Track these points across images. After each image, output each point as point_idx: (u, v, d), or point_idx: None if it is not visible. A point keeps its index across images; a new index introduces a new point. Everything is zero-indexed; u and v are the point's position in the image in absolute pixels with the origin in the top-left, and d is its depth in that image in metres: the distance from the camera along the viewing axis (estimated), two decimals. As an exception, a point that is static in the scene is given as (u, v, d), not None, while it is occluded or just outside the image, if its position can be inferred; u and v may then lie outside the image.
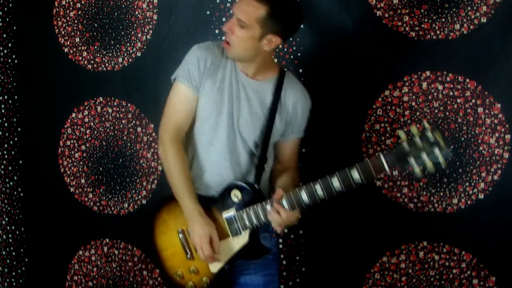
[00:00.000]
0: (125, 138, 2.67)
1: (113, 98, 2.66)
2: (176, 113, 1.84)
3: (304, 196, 1.70)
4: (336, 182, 1.65)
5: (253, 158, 1.87)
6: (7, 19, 2.79)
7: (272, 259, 1.93)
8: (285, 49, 2.37)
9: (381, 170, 1.59)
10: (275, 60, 2.38)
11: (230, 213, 1.79)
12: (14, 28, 2.79)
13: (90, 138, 2.73)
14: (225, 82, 1.82)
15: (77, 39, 2.70)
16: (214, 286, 1.85)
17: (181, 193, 1.80)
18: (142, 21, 2.58)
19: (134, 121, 2.63)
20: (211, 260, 1.78)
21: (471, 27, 2.15)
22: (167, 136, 1.83)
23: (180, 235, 1.84)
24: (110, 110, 2.67)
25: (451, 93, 2.20)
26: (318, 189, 1.68)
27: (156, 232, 1.91)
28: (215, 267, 1.83)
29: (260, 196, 1.81)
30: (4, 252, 2.92)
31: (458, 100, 2.20)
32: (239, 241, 1.80)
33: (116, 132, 2.68)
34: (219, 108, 1.81)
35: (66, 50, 2.72)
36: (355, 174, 1.62)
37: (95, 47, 2.67)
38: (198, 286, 1.85)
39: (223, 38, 1.89)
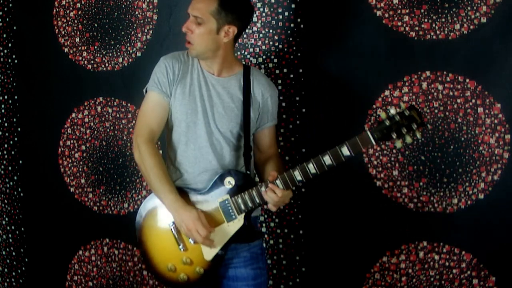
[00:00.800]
0: (125, 138, 2.67)
1: (113, 98, 2.67)
2: (148, 118, 1.92)
3: (298, 174, 1.80)
4: (328, 160, 1.78)
5: (234, 148, 1.95)
6: (7, 19, 2.80)
7: (261, 253, 2.00)
8: (285, 49, 2.37)
9: (368, 144, 1.76)
10: (275, 60, 2.38)
11: (224, 198, 1.86)
12: (14, 28, 2.79)
13: (90, 138, 2.73)
14: (195, 84, 1.92)
15: (77, 39, 2.70)
16: (207, 275, 1.88)
17: (160, 188, 1.86)
18: (142, 21, 2.58)
19: (134, 121, 2.63)
20: (207, 242, 1.82)
21: (471, 27, 2.15)
22: (141, 140, 1.90)
23: (172, 227, 1.88)
24: (110, 110, 2.68)
25: (451, 93, 2.20)
26: (311, 167, 1.79)
27: (145, 228, 1.95)
28: (209, 255, 1.86)
29: (252, 182, 1.91)
30: (4, 252, 2.92)
31: (458, 100, 2.20)
32: (234, 225, 1.86)
33: (116, 132, 2.68)
34: (193, 108, 1.90)
35: (66, 50, 2.72)
36: (345, 151, 1.76)
37: (95, 47, 2.67)
38: (190, 277, 1.89)
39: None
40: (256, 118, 1.99)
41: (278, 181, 1.81)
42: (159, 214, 1.92)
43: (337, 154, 1.76)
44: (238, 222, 1.86)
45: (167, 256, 1.90)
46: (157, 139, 1.96)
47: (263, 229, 2.47)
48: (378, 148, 2.29)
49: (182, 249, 1.87)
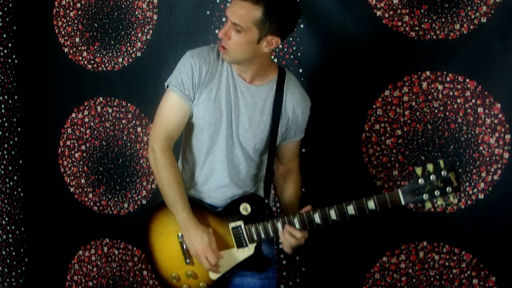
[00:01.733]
0: (125, 138, 2.67)
1: (113, 98, 2.67)
2: (167, 122, 1.78)
3: (317, 218, 1.73)
4: (351, 210, 1.70)
5: (254, 165, 1.84)
6: (7, 19, 2.79)
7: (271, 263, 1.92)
8: (285, 49, 2.37)
9: (397, 204, 1.66)
10: (276, 60, 2.38)
11: (237, 224, 1.79)
12: (14, 28, 2.79)
13: (90, 138, 2.73)
14: (222, 89, 1.76)
15: (77, 39, 2.70)
16: None
17: (174, 203, 1.77)
18: (142, 21, 2.58)
19: (134, 121, 2.63)
20: (214, 268, 1.77)
21: (471, 27, 2.15)
22: (158, 146, 1.77)
23: (181, 240, 1.83)
24: (110, 110, 2.68)
25: (451, 93, 2.20)
26: (332, 214, 1.72)
27: (153, 232, 1.89)
28: (215, 275, 1.82)
29: (269, 212, 1.82)
30: (4, 252, 2.92)
31: (458, 100, 2.20)
32: (244, 253, 1.80)
33: (116, 132, 2.68)
34: (217, 117, 1.76)
35: (66, 50, 2.72)
36: (371, 205, 1.68)
37: (95, 47, 2.67)
38: None
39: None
40: (282, 133, 1.84)
41: (295, 220, 1.74)
42: (170, 222, 1.84)
43: (362, 207, 1.68)
44: (248, 250, 1.79)
45: (173, 265, 1.85)
46: (173, 143, 1.84)
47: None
48: (378, 148, 2.29)
49: (188, 263, 1.83)
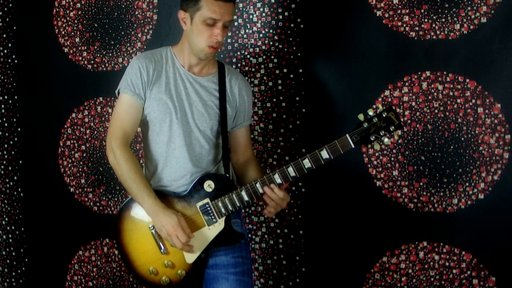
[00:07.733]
0: (125, 138, 2.66)
1: (113, 98, 2.67)
2: (122, 121, 1.89)
3: (278, 178, 1.81)
4: (307, 163, 1.80)
5: (214, 146, 1.94)
6: (7, 19, 2.80)
7: (244, 243, 1.97)
8: (285, 49, 2.37)
9: (348, 148, 1.78)
10: (275, 60, 2.39)
11: (204, 202, 1.86)
12: (14, 28, 2.79)
13: (90, 138, 2.73)
14: (170, 83, 1.90)
15: (77, 39, 2.70)
16: (190, 277, 1.88)
17: (139, 192, 1.83)
18: (142, 21, 2.58)
19: (134, 121, 2.63)
20: (187, 248, 1.81)
21: (471, 27, 2.15)
22: (116, 143, 1.87)
23: (153, 231, 1.87)
24: (110, 110, 2.68)
25: (451, 93, 2.20)
26: (291, 171, 1.80)
27: (125, 232, 1.92)
28: (191, 258, 1.86)
29: (232, 185, 1.90)
30: (4, 252, 2.92)
31: (458, 100, 2.20)
32: (215, 229, 1.86)
33: (116, 132, 2.68)
34: (170, 108, 1.89)
35: (66, 50, 2.72)
36: (325, 154, 1.79)
37: (95, 47, 2.67)
38: (173, 280, 1.88)
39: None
40: (234, 115, 1.98)
41: (258, 185, 1.81)
42: (138, 218, 1.90)
43: (316, 158, 1.78)
44: (218, 225, 1.85)
45: (149, 260, 1.88)
46: (131, 142, 1.94)
47: (263, 229, 2.47)
48: (378, 149, 2.29)
49: (163, 252, 1.86)
